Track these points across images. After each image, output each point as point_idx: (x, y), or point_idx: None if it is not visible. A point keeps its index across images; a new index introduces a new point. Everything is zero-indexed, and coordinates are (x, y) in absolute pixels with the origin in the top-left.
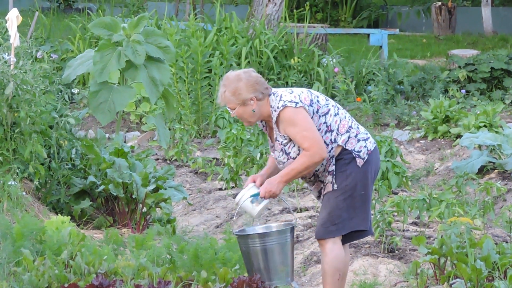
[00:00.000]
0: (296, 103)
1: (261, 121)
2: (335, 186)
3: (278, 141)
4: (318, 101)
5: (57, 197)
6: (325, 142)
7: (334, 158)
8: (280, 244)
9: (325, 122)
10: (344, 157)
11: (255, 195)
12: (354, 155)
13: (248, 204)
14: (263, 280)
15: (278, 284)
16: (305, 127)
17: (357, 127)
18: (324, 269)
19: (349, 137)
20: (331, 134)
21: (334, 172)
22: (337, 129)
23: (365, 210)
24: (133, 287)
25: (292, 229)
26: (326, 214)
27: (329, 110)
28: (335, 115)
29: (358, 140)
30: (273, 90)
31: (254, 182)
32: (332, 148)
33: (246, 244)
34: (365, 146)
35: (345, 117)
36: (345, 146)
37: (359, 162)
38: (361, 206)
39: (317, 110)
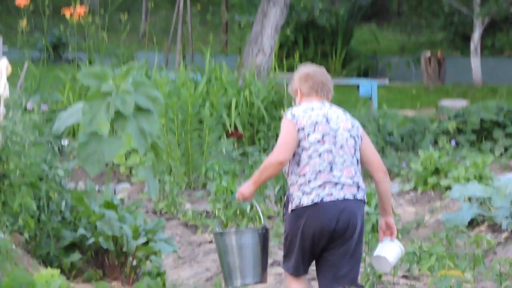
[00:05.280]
0: (292, 115)
1: None
2: (284, 217)
3: None
4: (308, 135)
5: (46, 250)
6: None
7: (288, 189)
8: (253, 243)
9: (298, 153)
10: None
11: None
12: (289, 199)
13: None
14: (235, 278)
15: (249, 282)
16: (281, 135)
17: (309, 181)
18: None
19: (296, 181)
20: (294, 166)
21: (286, 201)
22: (298, 166)
23: (296, 258)
24: None
25: (264, 230)
26: None
27: (310, 148)
28: (309, 157)
29: (299, 190)
30: None
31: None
32: (289, 176)
33: (224, 242)
34: (299, 198)
35: (313, 165)
36: (289, 186)
37: (289, 207)
38: (291, 252)
39: (300, 141)
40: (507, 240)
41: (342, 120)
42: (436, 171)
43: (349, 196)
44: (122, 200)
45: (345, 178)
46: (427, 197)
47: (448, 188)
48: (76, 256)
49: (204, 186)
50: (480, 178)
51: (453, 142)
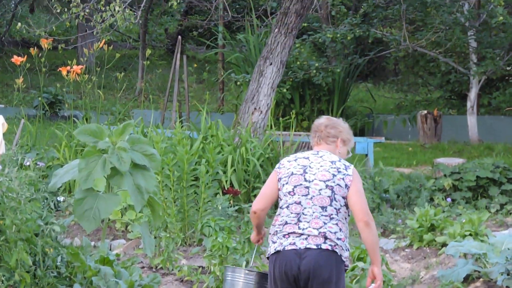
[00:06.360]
0: (279, 164)
1: None
2: None
3: None
4: (283, 185)
5: None
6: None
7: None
8: (252, 284)
9: (279, 203)
10: None
11: None
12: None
13: None
14: None
15: None
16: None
17: (276, 231)
18: None
19: (270, 232)
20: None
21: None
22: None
23: None
24: None
25: (262, 276)
26: None
27: (282, 199)
28: (280, 208)
29: (270, 239)
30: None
31: None
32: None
33: (232, 276)
34: (270, 247)
35: (282, 216)
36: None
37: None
38: None
39: (279, 190)
40: None
41: (322, 170)
42: (432, 228)
43: (312, 246)
44: (117, 256)
45: (311, 229)
46: (423, 253)
47: (444, 244)
48: None
49: (199, 242)
50: (475, 235)
51: (448, 199)
